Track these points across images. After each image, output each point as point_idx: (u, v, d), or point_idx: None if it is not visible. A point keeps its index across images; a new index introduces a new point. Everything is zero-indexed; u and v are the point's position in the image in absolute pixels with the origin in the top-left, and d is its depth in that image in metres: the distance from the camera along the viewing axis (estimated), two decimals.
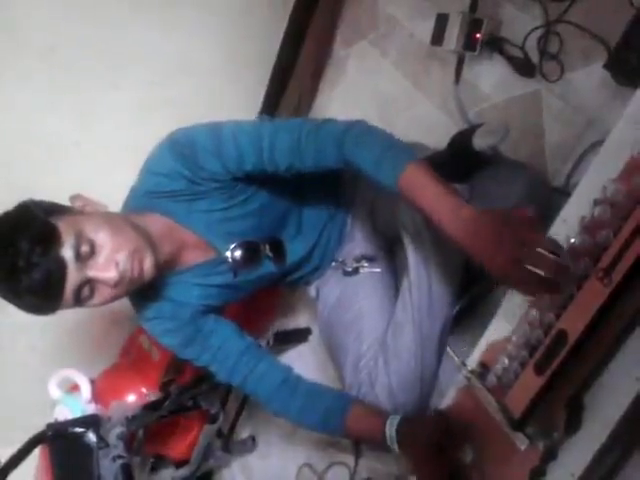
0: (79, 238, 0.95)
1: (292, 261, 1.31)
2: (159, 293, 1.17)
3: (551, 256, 0.74)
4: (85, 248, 0.96)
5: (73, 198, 1.07)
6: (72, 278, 0.95)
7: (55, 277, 0.93)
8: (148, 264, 1.03)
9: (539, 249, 0.74)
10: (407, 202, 0.91)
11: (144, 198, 1.12)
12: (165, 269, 1.14)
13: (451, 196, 0.86)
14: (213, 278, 1.21)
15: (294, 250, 1.30)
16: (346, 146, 0.97)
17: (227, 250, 1.19)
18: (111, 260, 0.98)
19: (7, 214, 0.99)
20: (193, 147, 1.07)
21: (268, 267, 1.27)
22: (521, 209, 0.80)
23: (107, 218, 1.03)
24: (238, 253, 1.19)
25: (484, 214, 0.82)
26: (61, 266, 0.93)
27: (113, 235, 0.99)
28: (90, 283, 0.98)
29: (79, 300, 0.99)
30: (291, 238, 1.29)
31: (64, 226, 0.96)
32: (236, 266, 1.20)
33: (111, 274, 0.98)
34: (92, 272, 0.97)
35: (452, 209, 0.84)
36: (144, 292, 1.13)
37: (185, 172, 1.08)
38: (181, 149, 1.08)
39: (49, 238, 0.93)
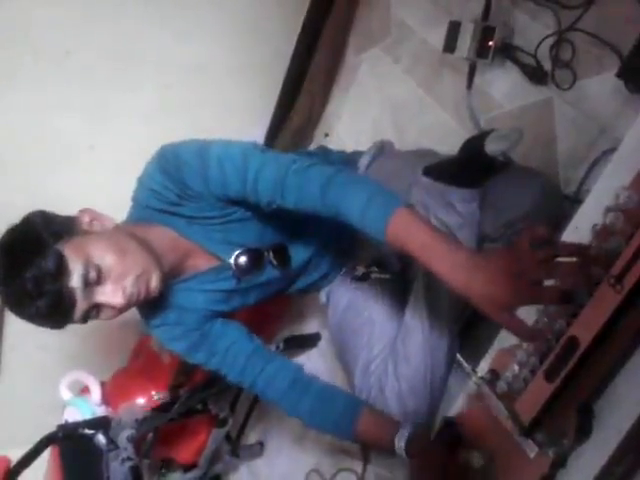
0: (87, 265, 0.96)
1: (296, 266, 1.30)
2: (165, 301, 1.18)
3: (573, 259, 0.73)
4: (93, 275, 0.97)
5: (82, 212, 1.07)
6: (80, 305, 0.97)
7: (64, 306, 0.96)
8: (154, 284, 1.04)
9: (558, 259, 0.73)
10: (399, 252, 0.87)
11: (145, 211, 1.13)
12: (170, 278, 1.15)
13: (442, 242, 0.82)
14: (218, 284, 1.22)
15: (298, 255, 1.30)
16: (331, 192, 0.94)
17: (230, 257, 1.19)
18: (118, 286, 0.99)
19: (14, 232, 1.00)
20: (179, 165, 1.06)
21: (272, 273, 1.27)
22: (530, 227, 0.77)
23: (113, 240, 1.03)
24: (242, 260, 1.19)
25: (478, 255, 0.80)
26: (70, 296, 0.95)
27: (119, 260, 1.00)
28: (97, 306, 1.01)
29: (87, 319, 1.02)
30: (295, 243, 1.29)
31: (71, 253, 0.96)
32: (240, 273, 1.20)
33: (118, 300, 0.99)
34: (100, 298, 0.99)
35: (444, 256, 0.80)
36: (150, 301, 1.14)
37: (173, 188, 1.08)
38: (167, 166, 1.07)
39: (57, 269, 0.94)
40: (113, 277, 0.99)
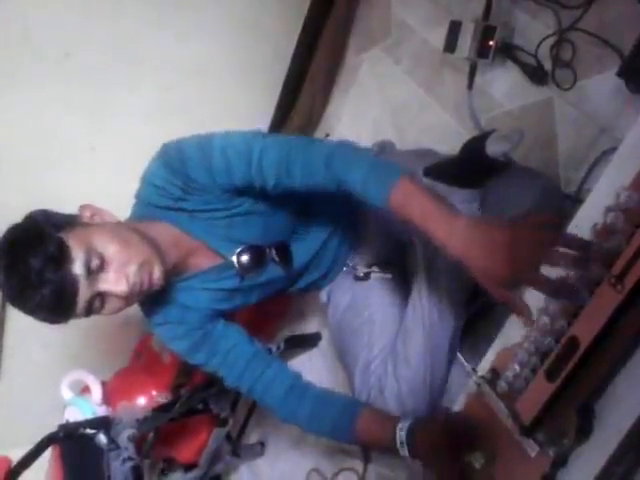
0: (89, 253, 0.96)
1: (298, 265, 1.31)
2: (168, 299, 1.18)
3: (570, 252, 0.74)
4: (95, 263, 0.97)
5: (83, 208, 1.07)
6: (84, 293, 0.97)
7: (67, 293, 0.95)
8: (157, 274, 1.04)
9: (556, 248, 0.74)
10: (400, 220, 0.88)
11: (147, 208, 1.13)
12: (173, 275, 1.15)
13: (442, 209, 0.84)
14: (221, 283, 1.22)
15: (300, 253, 1.30)
16: (335, 163, 0.96)
17: (233, 255, 1.19)
18: (121, 274, 0.99)
19: (17, 228, 1.00)
20: (183, 160, 1.07)
21: (274, 271, 1.27)
22: (537, 215, 0.78)
23: (116, 230, 1.04)
24: (244, 258, 1.20)
25: (478, 224, 0.80)
26: (73, 283, 0.95)
27: (122, 248, 1.00)
28: (101, 295, 1.00)
29: (90, 312, 1.01)
30: (297, 242, 1.29)
31: (74, 241, 0.96)
32: (242, 270, 1.21)
33: (122, 287, 0.99)
34: (103, 286, 0.99)
35: (444, 223, 0.82)
36: (153, 298, 1.14)
37: (177, 182, 1.08)
38: (171, 161, 1.08)
39: (60, 256, 0.94)
40: (116, 265, 0.99)
